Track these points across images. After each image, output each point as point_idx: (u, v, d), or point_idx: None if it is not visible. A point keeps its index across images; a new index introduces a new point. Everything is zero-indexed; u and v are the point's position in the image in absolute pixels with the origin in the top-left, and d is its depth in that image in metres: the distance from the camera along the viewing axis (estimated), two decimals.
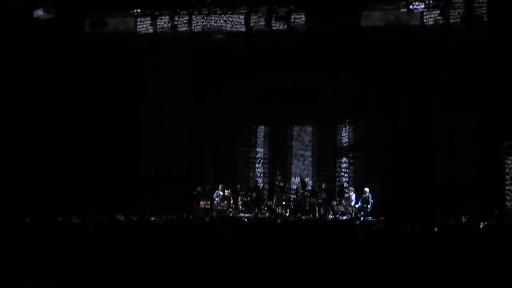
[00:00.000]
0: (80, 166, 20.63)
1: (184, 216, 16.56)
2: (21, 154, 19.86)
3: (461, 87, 19.11)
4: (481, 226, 11.54)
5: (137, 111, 21.76)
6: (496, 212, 17.09)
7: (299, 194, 20.39)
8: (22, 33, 19.64)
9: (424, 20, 18.63)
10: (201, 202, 20.13)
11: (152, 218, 15.19)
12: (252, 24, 19.96)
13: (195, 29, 20.46)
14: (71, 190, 19.74)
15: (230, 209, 20.03)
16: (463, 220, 15.45)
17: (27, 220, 10.97)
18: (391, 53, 19.87)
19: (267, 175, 21.71)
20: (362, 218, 18.27)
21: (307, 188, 20.72)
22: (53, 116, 20.43)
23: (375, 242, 6.80)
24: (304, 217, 19.25)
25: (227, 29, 20.07)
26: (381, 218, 18.07)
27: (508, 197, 17.82)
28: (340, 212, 19.48)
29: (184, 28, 20.46)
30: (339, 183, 21.06)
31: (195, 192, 20.38)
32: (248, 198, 20.59)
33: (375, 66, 20.16)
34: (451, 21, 18.50)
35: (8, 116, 19.88)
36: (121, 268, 5.63)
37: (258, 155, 22.01)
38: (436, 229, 8.11)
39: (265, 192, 21.11)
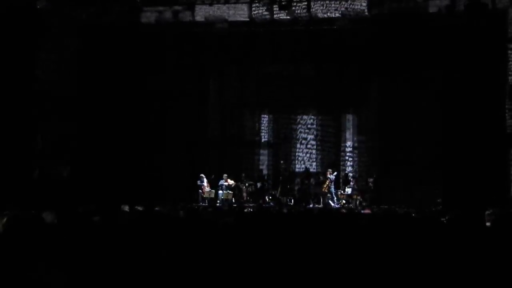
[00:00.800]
0: (86, 160, 20.59)
1: (188, 206, 16.61)
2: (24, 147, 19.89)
3: (465, 76, 19.02)
4: (486, 214, 11.49)
5: (142, 101, 21.71)
6: (500, 200, 17.07)
7: (304, 183, 20.41)
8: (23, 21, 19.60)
9: (429, 8, 18.50)
10: (205, 191, 20.19)
11: (157, 208, 15.21)
12: (254, 13, 19.86)
13: (198, 19, 20.34)
14: (76, 184, 19.81)
15: (234, 199, 20.11)
16: (468, 208, 15.41)
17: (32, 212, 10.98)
18: (394, 41, 19.78)
19: (271, 165, 21.72)
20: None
21: (311, 178, 20.73)
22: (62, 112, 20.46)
23: (379, 230, 6.82)
24: (308, 206, 19.31)
25: (230, 18, 19.98)
26: (384, 206, 18.16)
27: None
28: (344, 201, 19.53)
29: (188, 18, 20.33)
30: (343, 172, 21.10)
31: (198, 182, 20.41)
32: (253, 188, 20.63)
33: (378, 54, 20.10)
34: (455, 8, 18.36)
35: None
36: (126, 258, 5.64)
37: (263, 145, 22.03)
38: (442, 218, 8.10)
39: (270, 181, 21.14)
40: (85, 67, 20.54)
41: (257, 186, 20.60)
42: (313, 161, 21.63)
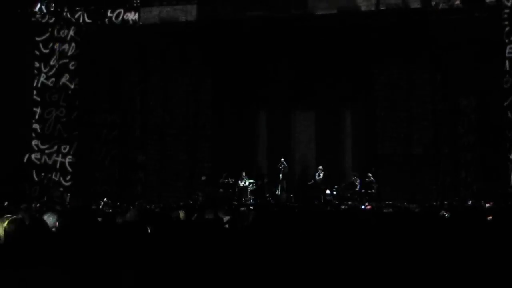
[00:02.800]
0: (80, 158, 20.59)
1: (188, 205, 16.61)
2: None
3: (462, 69, 18.99)
4: (487, 207, 11.52)
5: (141, 102, 21.70)
6: (500, 193, 17.07)
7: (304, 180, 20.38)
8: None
9: (425, 2, 18.49)
10: (206, 189, 20.24)
11: (152, 207, 15.24)
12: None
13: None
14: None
15: (235, 197, 20.09)
16: (469, 203, 15.46)
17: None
18: (390, 36, 19.73)
19: (271, 162, 21.66)
20: (367, 203, 18.31)
21: (311, 174, 20.71)
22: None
23: (382, 227, 6.81)
24: (309, 203, 19.27)
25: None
26: (387, 202, 18.13)
27: None
28: (345, 198, 19.51)
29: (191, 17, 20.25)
30: (342, 169, 21.11)
31: (203, 178, 20.38)
32: (253, 186, 20.60)
33: (375, 50, 20.06)
34: (452, 2, 18.34)
35: None
36: (126, 259, 5.64)
37: (261, 143, 21.99)
38: (442, 213, 8.11)
39: (270, 179, 21.08)
40: (83, 69, 20.53)
41: (257, 184, 20.56)
42: (312, 158, 21.57)
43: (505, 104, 17.86)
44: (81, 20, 20.32)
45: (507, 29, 17.83)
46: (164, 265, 5.08)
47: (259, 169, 21.25)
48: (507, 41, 17.85)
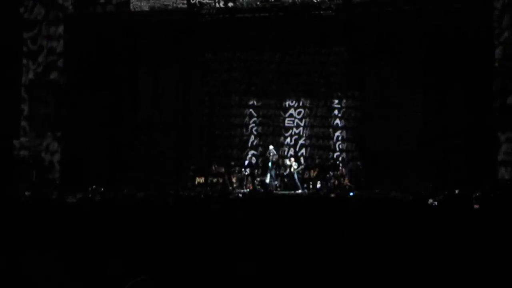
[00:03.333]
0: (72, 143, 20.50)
1: (177, 193, 16.60)
2: None
3: (452, 69, 19.01)
4: (474, 196, 11.58)
5: (132, 89, 21.63)
6: (488, 182, 17.10)
7: (293, 169, 20.40)
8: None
9: None
10: (196, 178, 20.19)
11: (142, 194, 15.22)
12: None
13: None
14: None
15: (224, 186, 20.09)
16: (456, 192, 15.50)
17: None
18: (378, 25, 19.71)
19: (260, 151, 21.67)
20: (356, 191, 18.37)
21: (300, 163, 20.74)
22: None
23: (369, 214, 6.85)
24: (297, 191, 19.33)
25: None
26: (376, 191, 18.19)
27: (502, 167, 17.83)
28: (333, 186, 19.54)
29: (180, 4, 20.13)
30: (332, 158, 21.13)
31: (191, 173, 20.37)
32: (242, 174, 20.61)
33: (365, 39, 20.04)
34: None
35: None
36: (114, 246, 5.64)
37: (251, 131, 21.98)
38: (430, 201, 8.15)
39: (259, 168, 21.11)
40: (71, 66, 20.40)
41: (246, 172, 20.56)
42: (301, 148, 21.60)
43: (494, 105, 17.92)
44: (70, 7, 20.15)
45: (496, 30, 17.89)
46: (153, 253, 5.09)
47: (249, 159, 21.24)
48: (496, 42, 17.91)
